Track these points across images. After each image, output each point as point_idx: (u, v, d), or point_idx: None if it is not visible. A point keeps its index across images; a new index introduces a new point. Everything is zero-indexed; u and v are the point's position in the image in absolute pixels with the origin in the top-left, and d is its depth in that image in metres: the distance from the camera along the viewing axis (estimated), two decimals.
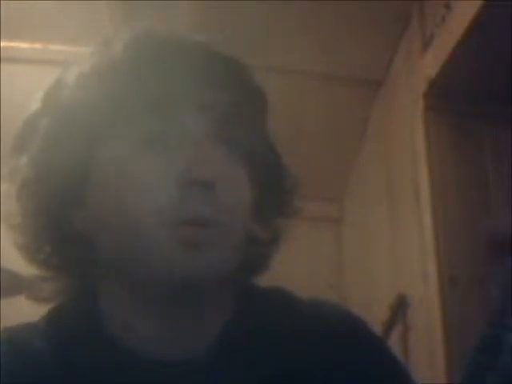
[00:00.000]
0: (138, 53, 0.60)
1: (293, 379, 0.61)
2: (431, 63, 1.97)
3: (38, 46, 2.46)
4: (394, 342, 2.02)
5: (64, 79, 0.62)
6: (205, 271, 0.56)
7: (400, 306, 2.12)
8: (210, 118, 0.59)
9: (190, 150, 0.57)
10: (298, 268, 2.61)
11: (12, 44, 2.42)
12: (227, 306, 0.63)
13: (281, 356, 0.61)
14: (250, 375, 0.59)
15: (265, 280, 0.71)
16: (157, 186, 0.57)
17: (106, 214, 0.59)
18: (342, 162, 2.81)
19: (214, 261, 0.56)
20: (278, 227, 0.67)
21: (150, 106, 0.58)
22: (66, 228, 0.60)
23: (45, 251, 0.62)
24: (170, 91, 0.58)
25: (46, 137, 0.60)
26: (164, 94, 0.58)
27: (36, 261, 0.62)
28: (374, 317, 1.97)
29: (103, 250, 0.60)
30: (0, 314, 2.36)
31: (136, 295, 0.60)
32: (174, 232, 0.56)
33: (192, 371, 0.58)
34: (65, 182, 0.60)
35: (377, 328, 1.69)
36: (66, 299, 0.63)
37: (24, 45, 2.45)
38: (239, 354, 0.60)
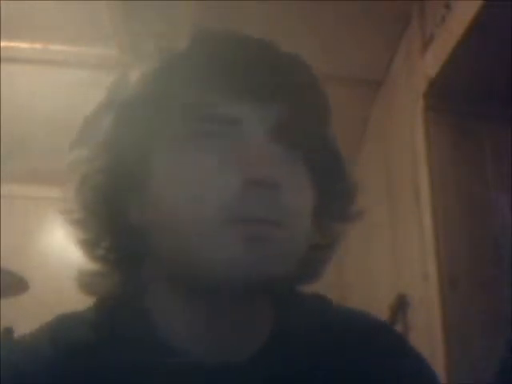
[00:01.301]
0: (200, 52, 0.59)
1: None
2: (431, 63, 1.97)
3: (38, 45, 2.46)
4: None
5: (126, 78, 0.63)
6: (265, 270, 0.55)
7: (400, 306, 2.12)
8: (273, 120, 0.59)
9: (253, 149, 0.57)
10: None
11: (12, 44, 2.42)
12: (272, 311, 0.63)
13: (321, 365, 0.61)
14: (291, 380, 0.59)
15: (312, 290, 0.70)
16: (220, 184, 0.56)
17: (165, 211, 0.58)
18: None
19: (275, 260, 0.55)
20: (336, 232, 0.67)
21: (213, 105, 0.58)
22: (124, 223, 0.60)
23: (103, 247, 0.62)
24: (232, 91, 0.58)
25: (109, 132, 0.61)
26: (226, 93, 0.58)
27: (94, 256, 0.63)
28: None
29: (157, 248, 0.60)
30: (0, 314, 2.36)
31: (186, 295, 0.59)
32: (236, 230, 0.55)
33: (234, 375, 0.58)
34: (125, 177, 0.60)
35: None
36: (116, 294, 0.63)
37: (24, 45, 2.45)
38: (281, 361, 0.60)
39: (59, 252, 3.41)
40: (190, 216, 0.56)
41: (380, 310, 2.17)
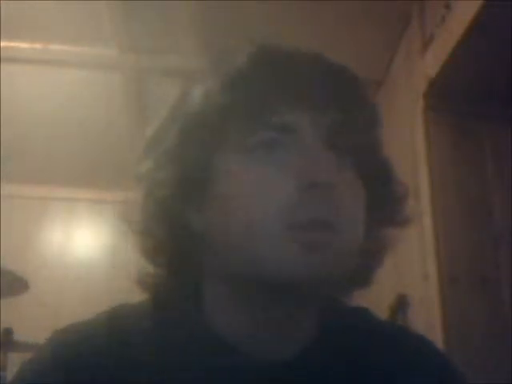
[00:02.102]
0: (258, 67, 0.63)
1: None
2: (431, 63, 1.97)
3: (37, 45, 2.46)
4: None
5: (190, 93, 0.66)
6: (322, 275, 0.57)
7: (400, 306, 2.12)
8: (326, 125, 0.61)
9: (307, 154, 0.59)
10: None
11: (12, 44, 2.42)
12: (316, 317, 0.65)
13: (358, 373, 0.63)
14: None
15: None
16: (276, 189, 0.58)
17: (226, 216, 0.60)
18: None
19: (332, 265, 0.57)
20: (386, 238, 0.68)
21: (271, 115, 0.60)
22: (187, 232, 0.63)
23: (166, 254, 0.64)
24: (289, 102, 0.61)
25: (173, 144, 0.63)
26: (282, 101, 0.61)
27: (157, 263, 0.65)
28: None
29: (218, 252, 0.62)
30: (0, 314, 2.36)
31: (240, 295, 0.62)
32: (294, 235, 0.57)
33: (276, 374, 0.61)
34: (188, 188, 0.63)
35: None
36: (175, 294, 0.66)
37: (24, 45, 2.45)
38: (321, 368, 0.62)
39: (59, 252, 3.42)
40: (252, 222, 0.58)
41: (380, 310, 2.17)
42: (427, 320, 1.90)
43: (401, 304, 2.12)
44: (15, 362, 2.22)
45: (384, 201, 0.67)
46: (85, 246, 3.32)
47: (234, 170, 0.61)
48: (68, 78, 2.62)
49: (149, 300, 0.66)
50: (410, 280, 2.11)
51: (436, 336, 1.79)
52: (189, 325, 0.63)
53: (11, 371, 2.19)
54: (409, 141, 2.13)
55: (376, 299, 2.42)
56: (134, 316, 0.64)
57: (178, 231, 0.63)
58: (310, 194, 0.57)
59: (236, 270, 0.61)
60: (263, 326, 0.62)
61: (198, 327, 0.62)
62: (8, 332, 2.36)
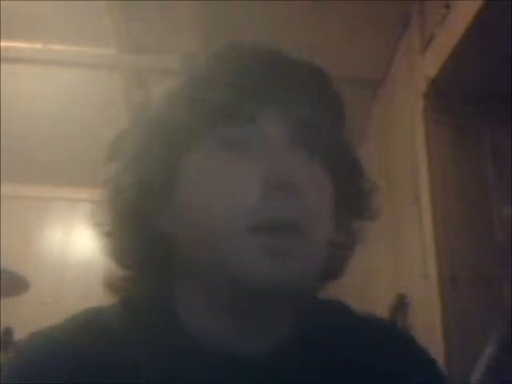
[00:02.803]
0: (222, 63, 0.63)
1: None
2: (431, 63, 1.97)
3: (37, 45, 2.46)
4: None
5: (153, 93, 0.66)
6: (288, 278, 0.57)
7: (400, 306, 2.12)
8: (292, 124, 0.61)
9: (272, 152, 0.59)
10: None
11: (12, 44, 2.42)
12: (290, 313, 0.64)
13: (334, 367, 0.63)
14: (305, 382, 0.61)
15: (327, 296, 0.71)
16: (239, 189, 0.58)
17: (190, 217, 0.60)
18: None
19: (298, 266, 0.57)
20: (355, 231, 0.68)
21: (232, 112, 0.60)
22: (154, 233, 0.63)
23: (133, 256, 0.64)
24: (253, 98, 0.60)
25: (138, 147, 0.64)
26: (247, 100, 0.60)
27: (125, 265, 0.65)
28: None
29: (184, 252, 0.62)
30: (0, 314, 2.36)
31: (209, 294, 0.62)
32: (257, 236, 0.56)
33: (247, 372, 0.60)
34: (155, 189, 0.62)
35: None
36: (147, 296, 0.65)
37: (24, 45, 2.45)
38: (295, 362, 0.62)
39: (59, 252, 3.42)
40: (213, 224, 0.58)
41: (380, 309, 2.17)
42: (427, 320, 1.90)
43: (401, 304, 2.12)
44: None
45: (352, 196, 0.67)
46: (85, 246, 3.33)
47: (200, 171, 0.60)
48: (68, 78, 2.62)
49: (119, 303, 0.65)
50: (410, 280, 2.11)
51: (436, 336, 1.79)
52: (161, 326, 0.62)
53: None
54: (409, 141, 2.13)
55: (376, 299, 2.43)
56: (103, 320, 0.63)
57: (145, 233, 0.63)
58: (275, 195, 0.56)
59: (203, 272, 0.60)
60: (235, 325, 0.61)
61: (171, 328, 0.62)
62: (8, 332, 2.36)
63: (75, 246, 3.39)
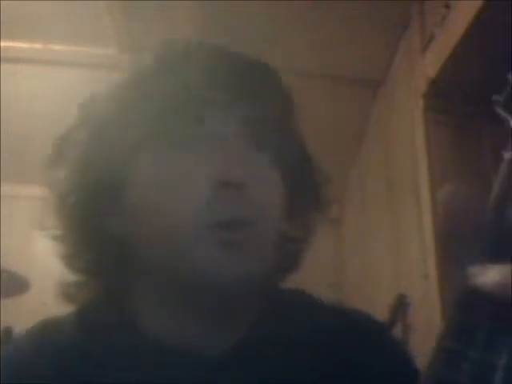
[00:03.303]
0: (166, 62, 0.63)
1: (311, 380, 0.62)
2: (431, 63, 1.97)
3: (38, 45, 2.46)
4: None
5: (97, 92, 0.65)
6: (240, 273, 0.57)
7: (400, 306, 2.12)
8: (238, 120, 0.61)
9: (220, 151, 0.59)
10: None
11: (12, 44, 2.42)
12: (253, 306, 0.65)
13: (300, 357, 0.63)
14: (269, 376, 0.61)
15: (291, 285, 0.71)
16: (189, 188, 0.58)
17: (141, 217, 0.60)
18: (342, 162, 2.82)
19: (250, 262, 0.58)
20: (309, 224, 0.69)
21: (179, 111, 0.60)
22: (105, 235, 0.62)
23: (85, 259, 0.64)
24: (199, 96, 0.60)
25: (83, 149, 0.63)
26: (194, 98, 0.60)
27: (77, 269, 0.64)
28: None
29: (138, 252, 0.62)
30: (0, 313, 2.36)
31: (172, 295, 0.62)
32: (207, 233, 0.57)
33: (210, 369, 0.60)
34: (101, 192, 0.62)
35: None
36: (101, 299, 0.65)
37: (24, 45, 2.45)
38: (260, 355, 0.62)
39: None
40: (163, 224, 0.58)
41: (380, 309, 2.17)
42: (427, 320, 1.89)
43: (401, 304, 2.12)
44: None
45: (304, 189, 0.67)
46: None
47: (149, 170, 0.60)
48: (68, 78, 2.62)
49: (76, 311, 0.65)
50: (410, 280, 2.11)
51: (436, 336, 1.79)
52: (119, 329, 0.62)
53: None
54: (409, 141, 2.13)
55: (376, 299, 2.43)
56: (61, 330, 0.63)
57: (95, 236, 0.62)
58: (222, 193, 0.57)
59: (157, 270, 0.60)
60: (193, 322, 0.61)
61: (129, 330, 0.62)
62: (8, 332, 2.36)
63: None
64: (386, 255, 2.42)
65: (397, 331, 2.10)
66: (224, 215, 0.57)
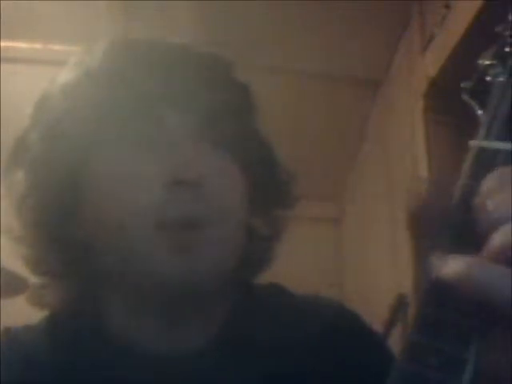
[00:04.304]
0: (117, 59, 0.62)
1: (289, 375, 0.61)
2: (431, 63, 1.97)
3: (37, 46, 2.46)
4: (393, 342, 2.02)
5: (49, 91, 0.64)
6: (195, 274, 0.56)
7: (400, 306, 2.12)
8: (194, 118, 0.60)
9: (174, 150, 0.58)
10: (298, 268, 2.61)
11: (12, 44, 2.42)
12: (227, 303, 0.64)
13: (277, 352, 0.62)
14: (247, 373, 0.60)
15: (265, 280, 0.71)
16: (143, 187, 0.57)
17: (98, 217, 0.60)
18: (342, 162, 2.81)
19: (205, 262, 0.57)
20: (278, 220, 0.68)
21: (132, 109, 0.59)
22: (66, 237, 0.61)
23: (47, 261, 0.63)
24: (151, 93, 0.59)
25: (37, 151, 0.62)
26: (146, 96, 0.59)
27: (40, 271, 0.64)
28: (374, 317, 1.96)
29: (100, 254, 0.61)
30: (0, 313, 2.36)
31: (132, 296, 0.61)
32: (161, 234, 0.56)
33: (187, 368, 0.59)
34: (60, 193, 0.61)
35: (377, 328, 1.68)
36: (67, 302, 0.64)
37: (24, 45, 2.45)
38: (236, 352, 0.61)
39: None
40: (118, 224, 0.57)
41: (380, 310, 2.17)
42: None
43: (401, 304, 2.12)
44: None
45: (268, 185, 0.66)
46: None
47: (106, 171, 0.59)
48: None
49: (45, 318, 0.64)
50: (410, 280, 2.11)
51: None
52: (86, 334, 0.61)
53: None
54: (409, 141, 2.13)
55: (376, 299, 2.42)
56: (30, 337, 0.62)
57: (54, 239, 0.62)
58: (177, 192, 0.56)
59: (116, 272, 0.60)
60: (157, 323, 0.60)
61: (95, 334, 0.61)
62: (8, 332, 2.36)
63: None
64: (386, 255, 2.42)
65: (396, 331, 2.10)
66: (175, 215, 0.56)
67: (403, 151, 2.23)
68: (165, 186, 0.56)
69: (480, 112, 0.49)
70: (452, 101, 1.99)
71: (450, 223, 0.44)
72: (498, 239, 0.40)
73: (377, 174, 2.58)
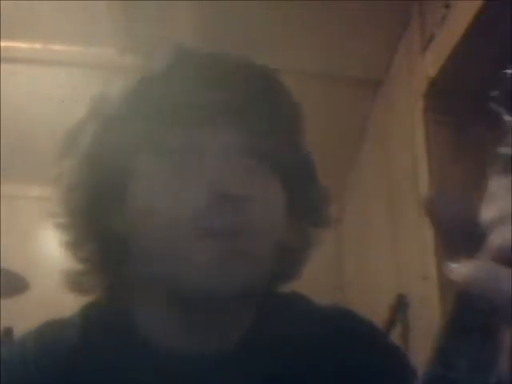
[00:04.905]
0: (179, 68, 0.63)
1: (307, 381, 0.63)
2: (431, 63, 1.97)
3: (37, 45, 2.46)
4: None
5: (108, 93, 0.66)
6: (229, 284, 0.58)
7: (400, 306, 2.12)
8: (240, 131, 0.62)
9: (222, 163, 0.60)
10: None
11: (12, 44, 2.42)
12: (250, 311, 0.66)
13: (296, 359, 0.64)
14: (267, 377, 0.62)
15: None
16: (188, 195, 0.59)
17: (140, 218, 0.61)
18: (342, 162, 2.82)
19: (241, 273, 0.59)
20: (310, 235, 0.69)
21: (186, 118, 0.61)
22: (107, 229, 0.64)
23: (87, 249, 0.65)
24: (206, 105, 0.61)
25: (91, 144, 0.64)
26: (201, 107, 0.61)
27: (79, 257, 0.66)
28: (374, 317, 1.96)
29: (136, 252, 0.63)
30: (0, 314, 2.36)
31: (161, 297, 0.62)
32: (201, 242, 0.58)
33: (211, 370, 0.61)
34: (107, 186, 0.63)
35: None
36: (100, 295, 0.66)
37: (24, 45, 2.45)
38: (257, 357, 0.63)
39: (59, 252, 3.42)
40: (163, 228, 0.59)
41: (380, 309, 2.17)
42: (427, 320, 1.89)
43: (401, 304, 2.12)
44: None
45: (305, 203, 0.68)
46: None
47: (150, 172, 0.61)
48: (68, 78, 2.62)
49: (78, 313, 0.66)
50: (410, 280, 2.11)
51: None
52: (116, 331, 0.63)
53: None
54: (409, 141, 2.13)
55: (376, 299, 2.43)
56: (62, 330, 0.64)
57: (97, 228, 0.64)
58: (219, 204, 0.58)
59: (153, 274, 0.61)
60: (186, 326, 0.62)
61: (125, 332, 0.63)
62: (8, 332, 2.36)
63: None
64: (386, 255, 2.42)
65: (396, 331, 2.10)
66: (215, 225, 0.58)
67: (403, 151, 2.23)
68: (210, 197, 0.58)
69: (509, 118, 0.49)
70: (452, 101, 1.99)
71: (470, 229, 0.44)
72: (496, 240, 0.40)
73: (377, 174, 2.58)
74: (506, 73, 0.50)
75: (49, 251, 3.40)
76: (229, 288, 0.58)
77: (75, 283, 0.66)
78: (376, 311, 2.23)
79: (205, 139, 0.61)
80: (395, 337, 2.09)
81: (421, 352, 1.93)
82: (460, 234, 0.44)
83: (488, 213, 0.42)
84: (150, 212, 0.60)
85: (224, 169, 0.59)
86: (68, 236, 0.66)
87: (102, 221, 0.64)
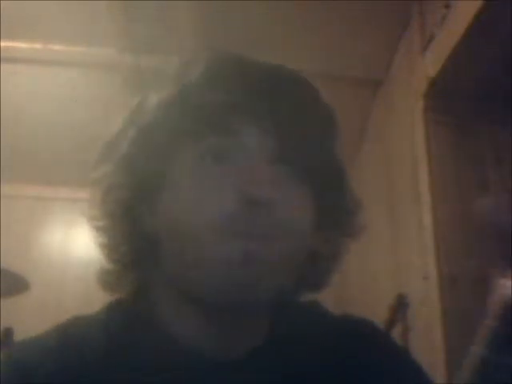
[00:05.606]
0: (213, 75, 0.65)
1: None
2: (431, 63, 1.97)
3: (37, 45, 2.46)
4: None
5: (146, 102, 0.68)
6: (255, 286, 0.59)
7: (400, 306, 2.12)
8: (276, 140, 0.63)
9: (251, 168, 0.61)
10: None
11: (12, 44, 2.42)
12: (269, 317, 0.67)
13: (312, 368, 0.65)
14: (285, 381, 0.63)
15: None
16: (217, 199, 0.60)
17: (171, 221, 0.63)
18: None
19: (267, 277, 0.59)
20: (339, 244, 0.70)
21: (218, 124, 0.62)
22: (140, 231, 0.66)
23: (119, 251, 0.67)
24: (237, 111, 0.62)
25: (128, 149, 0.67)
26: (232, 113, 0.62)
27: (113, 258, 0.68)
28: (374, 317, 1.96)
29: (166, 255, 0.64)
30: (0, 314, 2.36)
31: (187, 299, 0.63)
32: (228, 245, 0.58)
33: (225, 373, 0.62)
34: (142, 191, 0.66)
35: None
36: (128, 294, 0.68)
37: (24, 45, 2.45)
38: (272, 363, 0.64)
39: (59, 252, 3.42)
40: (188, 233, 0.60)
41: (380, 310, 2.17)
42: (427, 320, 1.90)
43: (401, 304, 2.12)
44: None
45: (333, 211, 0.68)
46: (85, 246, 3.32)
47: (184, 177, 0.63)
48: (68, 78, 2.62)
49: (105, 310, 0.68)
50: (410, 280, 2.11)
51: (436, 336, 1.79)
52: (141, 330, 0.64)
53: None
54: (409, 141, 2.13)
55: (376, 299, 2.43)
56: (88, 326, 0.65)
57: (133, 231, 0.66)
58: (248, 209, 0.58)
59: (180, 275, 0.63)
60: (212, 327, 0.63)
61: (150, 332, 0.64)
62: (8, 332, 2.36)
63: (75, 246, 3.38)
64: (386, 255, 2.42)
65: (396, 331, 2.10)
66: (242, 228, 0.59)
67: (403, 151, 2.24)
68: (238, 201, 0.59)
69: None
70: (452, 101, 2.00)
71: None
72: None
73: (377, 174, 2.58)
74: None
75: (49, 251, 3.41)
76: (254, 293, 0.59)
77: (106, 282, 0.68)
78: (376, 311, 2.23)
79: (236, 144, 0.62)
80: (395, 337, 2.09)
81: (421, 352, 1.93)
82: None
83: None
84: (179, 215, 0.61)
85: (253, 174, 0.60)
86: (105, 238, 0.68)
87: (135, 223, 0.66)
